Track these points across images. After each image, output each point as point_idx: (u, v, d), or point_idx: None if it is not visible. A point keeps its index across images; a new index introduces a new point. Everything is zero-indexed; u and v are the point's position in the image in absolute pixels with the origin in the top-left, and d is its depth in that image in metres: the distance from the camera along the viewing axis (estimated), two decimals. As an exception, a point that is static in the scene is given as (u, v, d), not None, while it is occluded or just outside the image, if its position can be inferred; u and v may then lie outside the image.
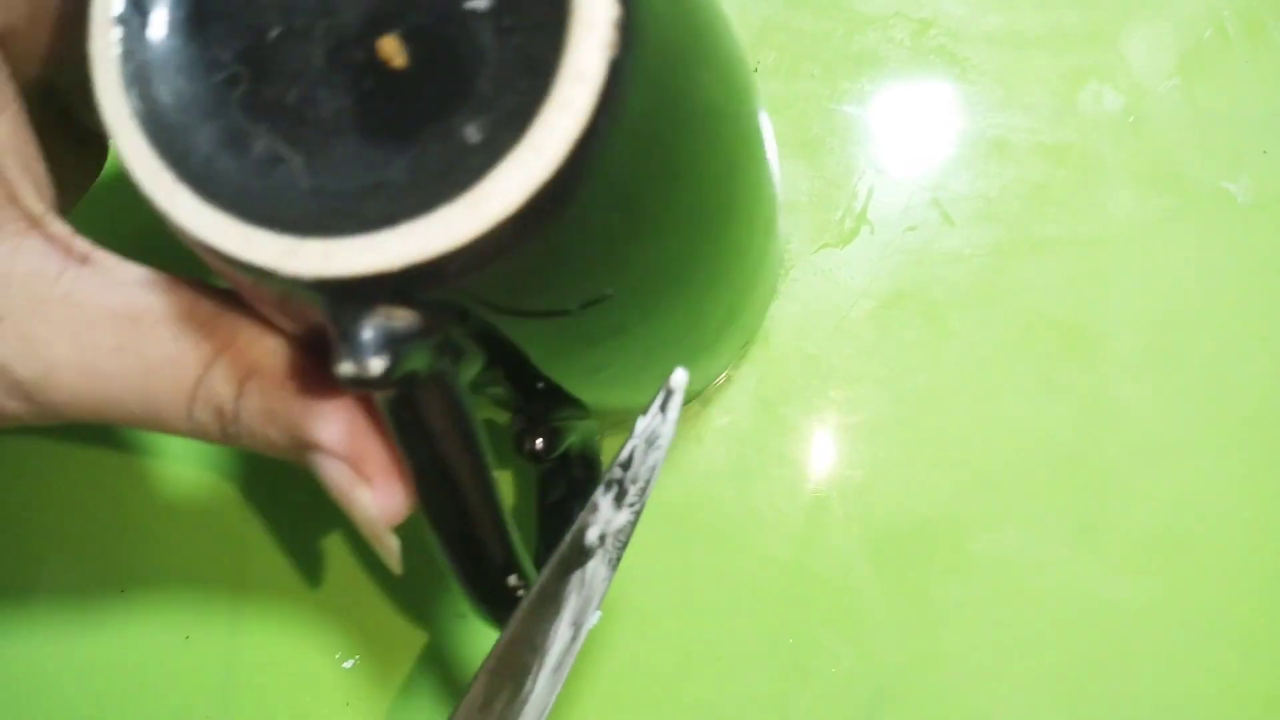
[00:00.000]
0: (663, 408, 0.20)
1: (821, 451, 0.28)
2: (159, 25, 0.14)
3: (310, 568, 0.30)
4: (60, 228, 0.17)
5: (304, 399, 0.17)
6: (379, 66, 0.14)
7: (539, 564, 0.20)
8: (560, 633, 0.19)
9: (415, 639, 0.29)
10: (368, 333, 0.13)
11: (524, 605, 0.19)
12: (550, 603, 0.19)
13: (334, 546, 0.29)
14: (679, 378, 0.19)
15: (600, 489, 0.19)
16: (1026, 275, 0.29)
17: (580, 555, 0.19)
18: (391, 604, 0.29)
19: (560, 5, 0.13)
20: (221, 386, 0.17)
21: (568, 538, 0.19)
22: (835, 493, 0.28)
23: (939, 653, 0.27)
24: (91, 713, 0.29)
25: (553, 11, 0.13)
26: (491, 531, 0.19)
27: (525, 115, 0.13)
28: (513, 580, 0.19)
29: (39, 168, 0.18)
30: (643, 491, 0.20)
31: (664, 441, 0.20)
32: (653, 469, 0.19)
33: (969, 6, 0.31)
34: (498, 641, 0.19)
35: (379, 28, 0.14)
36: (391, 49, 0.14)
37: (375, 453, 0.17)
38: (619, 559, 0.19)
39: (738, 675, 0.28)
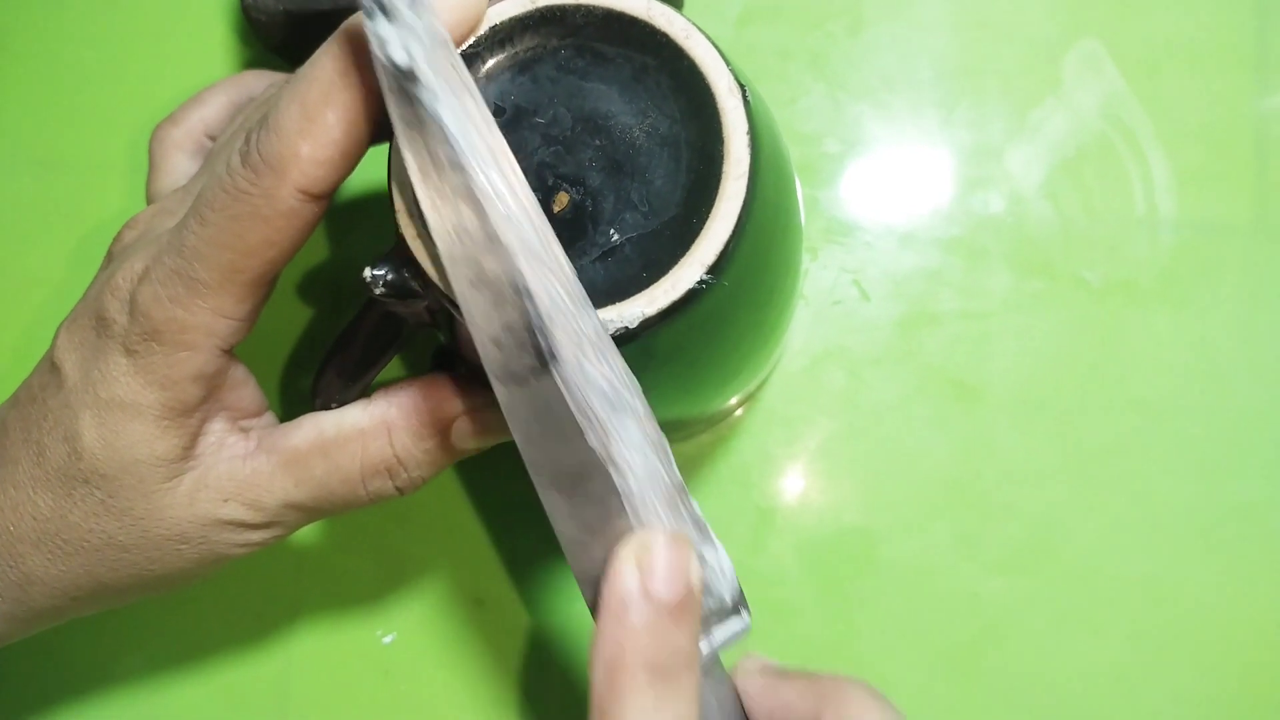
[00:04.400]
0: None
1: (764, 475, 0.36)
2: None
3: (355, 562, 0.37)
4: (248, 425, 0.27)
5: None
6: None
7: None
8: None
9: (441, 619, 0.36)
10: None
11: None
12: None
13: (375, 545, 0.37)
14: None
15: (366, 20, 0.21)
16: (925, 340, 0.37)
17: (406, 79, 0.21)
18: (422, 591, 0.36)
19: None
20: (401, 443, 0.27)
21: (385, 82, 0.21)
22: (775, 508, 0.36)
23: (853, 634, 0.35)
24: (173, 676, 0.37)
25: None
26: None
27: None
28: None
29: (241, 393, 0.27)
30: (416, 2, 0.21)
31: None
32: None
33: (884, 126, 0.39)
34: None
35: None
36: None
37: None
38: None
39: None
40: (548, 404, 0.21)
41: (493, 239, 0.21)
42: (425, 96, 0.21)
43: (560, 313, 0.21)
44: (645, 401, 0.22)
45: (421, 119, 0.21)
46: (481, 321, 0.22)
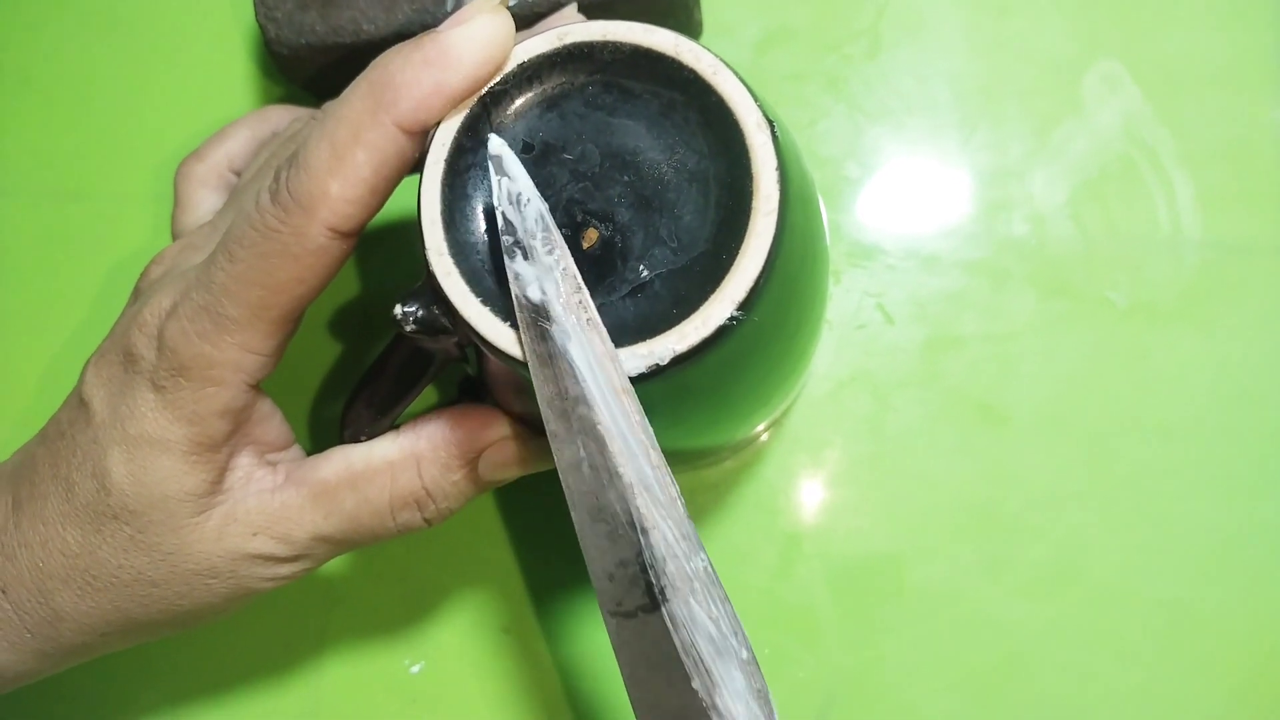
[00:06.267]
0: (497, 171, 0.23)
1: (790, 501, 0.36)
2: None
3: (382, 592, 0.37)
4: (273, 459, 0.28)
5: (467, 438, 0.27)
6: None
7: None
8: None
9: (469, 648, 0.36)
10: None
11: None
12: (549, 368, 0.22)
13: (403, 575, 0.37)
14: (494, 143, 0.23)
15: (507, 259, 0.22)
16: (949, 363, 0.37)
17: (540, 315, 0.22)
18: (449, 620, 0.36)
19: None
20: (430, 475, 0.27)
21: (521, 315, 0.22)
22: (801, 534, 0.36)
23: (880, 660, 0.35)
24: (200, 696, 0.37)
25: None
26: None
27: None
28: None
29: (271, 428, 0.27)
30: (549, 238, 0.23)
31: (526, 193, 0.23)
32: (539, 218, 0.23)
33: (904, 148, 0.39)
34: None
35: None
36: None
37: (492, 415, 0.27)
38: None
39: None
40: (655, 642, 0.22)
41: (613, 474, 0.22)
42: (556, 333, 0.22)
43: (672, 552, 0.22)
44: (750, 646, 0.22)
45: (552, 354, 0.22)
46: (597, 555, 0.22)
